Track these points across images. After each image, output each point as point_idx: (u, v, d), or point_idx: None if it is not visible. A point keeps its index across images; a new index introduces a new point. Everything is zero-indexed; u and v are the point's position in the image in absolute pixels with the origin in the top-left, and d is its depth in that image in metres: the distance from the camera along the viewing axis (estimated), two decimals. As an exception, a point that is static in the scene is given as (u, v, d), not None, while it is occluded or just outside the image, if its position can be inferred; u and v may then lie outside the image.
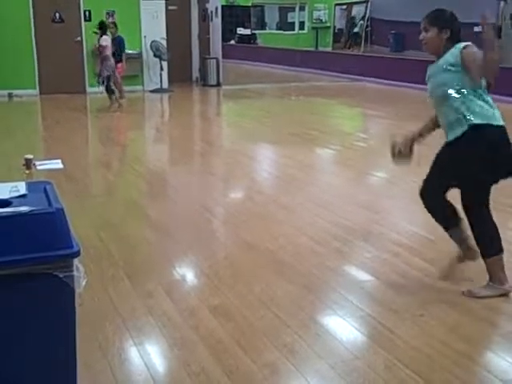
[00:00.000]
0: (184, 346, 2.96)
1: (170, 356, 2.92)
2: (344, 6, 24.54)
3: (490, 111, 3.28)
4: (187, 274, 4.01)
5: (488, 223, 3.40)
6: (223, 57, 15.71)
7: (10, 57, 12.76)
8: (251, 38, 25.90)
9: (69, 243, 2.01)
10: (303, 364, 2.80)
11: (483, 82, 3.29)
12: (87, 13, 13.55)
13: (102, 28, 11.03)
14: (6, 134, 8.92)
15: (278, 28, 28.12)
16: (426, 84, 3.53)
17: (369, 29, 21.87)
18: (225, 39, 18.17)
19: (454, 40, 3.35)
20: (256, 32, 26.51)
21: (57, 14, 13.34)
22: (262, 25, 28.29)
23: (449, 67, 3.30)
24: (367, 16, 22.01)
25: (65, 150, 7.77)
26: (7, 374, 2.04)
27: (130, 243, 4.46)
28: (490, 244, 3.40)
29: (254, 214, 5.17)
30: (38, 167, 6.58)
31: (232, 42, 24.83)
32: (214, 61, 15.31)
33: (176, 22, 15.18)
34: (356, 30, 22.86)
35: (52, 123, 10.43)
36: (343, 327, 3.18)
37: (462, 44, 3.30)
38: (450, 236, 3.56)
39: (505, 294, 3.40)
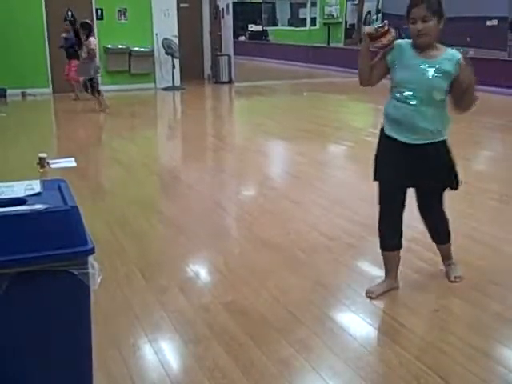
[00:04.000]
0: (198, 342, 2.98)
1: (185, 352, 2.93)
2: (355, 1, 24.45)
3: None
4: (201, 270, 4.02)
5: (446, 214, 3.56)
6: (235, 53, 15.71)
7: (23, 56, 12.86)
8: (263, 35, 25.90)
9: (83, 240, 2.02)
10: (317, 359, 2.80)
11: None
12: (99, 11, 13.62)
13: (89, 29, 10.77)
14: (19, 133, 8.99)
15: (290, 24, 28.09)
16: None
17: (381, 23, 21.76)
18: (236, 36, 18.17)
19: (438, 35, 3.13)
20: (267, 28, 26.50)
21: (69, 13, 13.39)
22: (274, 21, 28.28)
23: (442, 73, 3.09)
24: (376, 11, 21.91)
25: (78, 148, 7.81)
26: (22, 370, 2.06)
27: (144, 240, 4.48)
28: (448, 231, 3.60)
29: (266, 210, 5.18)
30: (52, 165, 6.63)
31: (243, 38, 24.82)
32: (226, 58, 15.33)
33: (187, 20, 15.21)
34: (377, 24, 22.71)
35: (65, 122, 10.49)
36: (357, 323, 3.18)
37: (457, 54, 3.13)
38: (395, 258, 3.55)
39: None
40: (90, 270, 2.02)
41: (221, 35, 15.80)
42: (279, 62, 21.39)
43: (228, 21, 15.49)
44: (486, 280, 3.58)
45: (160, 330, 3.12)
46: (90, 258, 2.03)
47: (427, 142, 3.21)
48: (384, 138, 3.33)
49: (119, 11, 13.79)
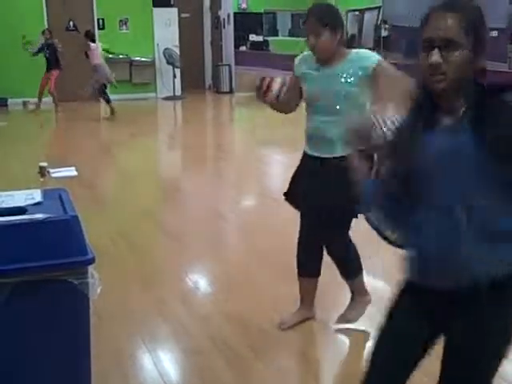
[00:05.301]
0: (197, 352, 2.97)
1: (184, 363, 2.92)
2: (357, 12, 24.53)
3: None
4: (200, 280, 4.02)
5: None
6: (236, 63, 15.75)
7: (24, 65, 12.87)
8: (263, 45, 25.96)
9: (83, 250, 2.02)
10: (317, 371, 2.79)
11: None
12: (101, 21, 13.67)
13: (91, 37, 11.01)
14: (20, 142, 8.99)
15: (291, 34, 28.14)
16: None
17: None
18: (237, 46, 18.20)
19: (342, 42, 2.85)
20: (268, 38, 26.57)
21: (71, 23, 13.45)
22: (275, 31, 28.34)
23: (352, 79, 2.79)
24: (379, 21, 21.96)
25: (79, 157, 7.81)
26: (21, 379, 2.05)
27: (144, 250, 4.48)
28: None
29: (266, 221, 5.17)
30: (53, 175, 6.62)
31: (244, 48, 24.89)
32: (227, 68, 15.38)
33: (189, 30, 15.26)
34: (385, 34, 22.62)
35: (66, 131, 10.51)
36: (357, 334, 3.16)
37: (374, 55, 2.81)
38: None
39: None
40: (90, 280, 2.02)
41: (222, 45, 15.85)
42: (280, 72, 21.41)
43: (229, 31, 15.56)
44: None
45: (159, 341, 3.11)
46: (90, 268, 2.03)
47: None
48: None
49: (121, 21, 13.85)
